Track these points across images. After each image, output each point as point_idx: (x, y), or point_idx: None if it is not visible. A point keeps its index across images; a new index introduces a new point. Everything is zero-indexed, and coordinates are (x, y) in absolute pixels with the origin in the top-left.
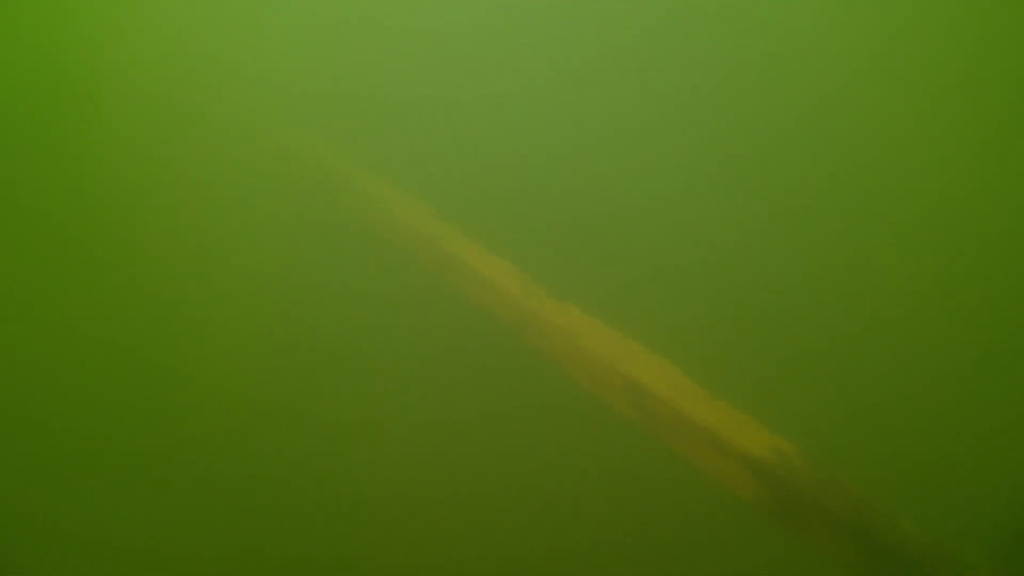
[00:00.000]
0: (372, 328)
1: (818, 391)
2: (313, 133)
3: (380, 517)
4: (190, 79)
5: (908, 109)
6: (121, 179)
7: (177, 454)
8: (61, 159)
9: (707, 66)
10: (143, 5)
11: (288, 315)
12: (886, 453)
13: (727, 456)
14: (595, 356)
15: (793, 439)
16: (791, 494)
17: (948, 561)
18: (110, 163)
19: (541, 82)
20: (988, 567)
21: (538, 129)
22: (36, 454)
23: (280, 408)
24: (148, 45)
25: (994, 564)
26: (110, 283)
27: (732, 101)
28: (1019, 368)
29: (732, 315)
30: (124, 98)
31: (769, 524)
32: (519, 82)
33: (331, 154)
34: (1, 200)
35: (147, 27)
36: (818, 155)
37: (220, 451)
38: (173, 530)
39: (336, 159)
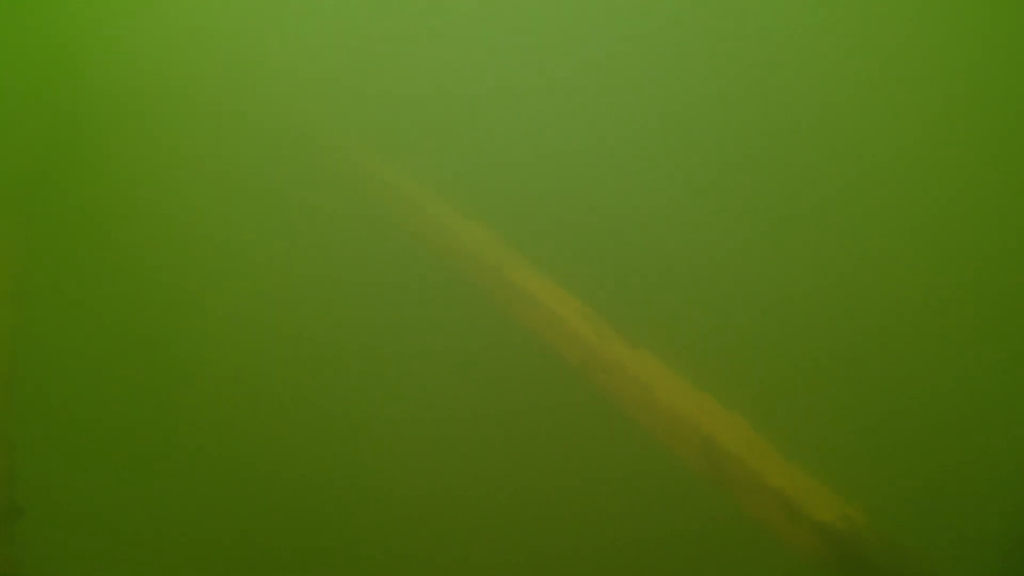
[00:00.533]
0: (433, 358)
1: (893, 461)
2: (384, 156)
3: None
4: (225, 80)
5: (916, 115)
6: (146, 178)
7: (214, 451)
8: (88, 157)
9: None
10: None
11: (351, 336)
12: (960, 528)
13: (796, 520)
14: (669, 407)
15: (864, 509)
16: (858, 564)
17: None
18: (133, 161)
19: (626, 127)
20: None
21: (618, 170)
22: (44, 450)
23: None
24: (181, 46)
25: None
26: (130, 279)
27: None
28: None
29: (808, 377)
30: (152, 98)
31: None
32: (605, 127)
33: (399, 177)
34: (40, 193)
35: (181, 27)
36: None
37: (262, 450)
38: (187, 525)
39: (404, 182)
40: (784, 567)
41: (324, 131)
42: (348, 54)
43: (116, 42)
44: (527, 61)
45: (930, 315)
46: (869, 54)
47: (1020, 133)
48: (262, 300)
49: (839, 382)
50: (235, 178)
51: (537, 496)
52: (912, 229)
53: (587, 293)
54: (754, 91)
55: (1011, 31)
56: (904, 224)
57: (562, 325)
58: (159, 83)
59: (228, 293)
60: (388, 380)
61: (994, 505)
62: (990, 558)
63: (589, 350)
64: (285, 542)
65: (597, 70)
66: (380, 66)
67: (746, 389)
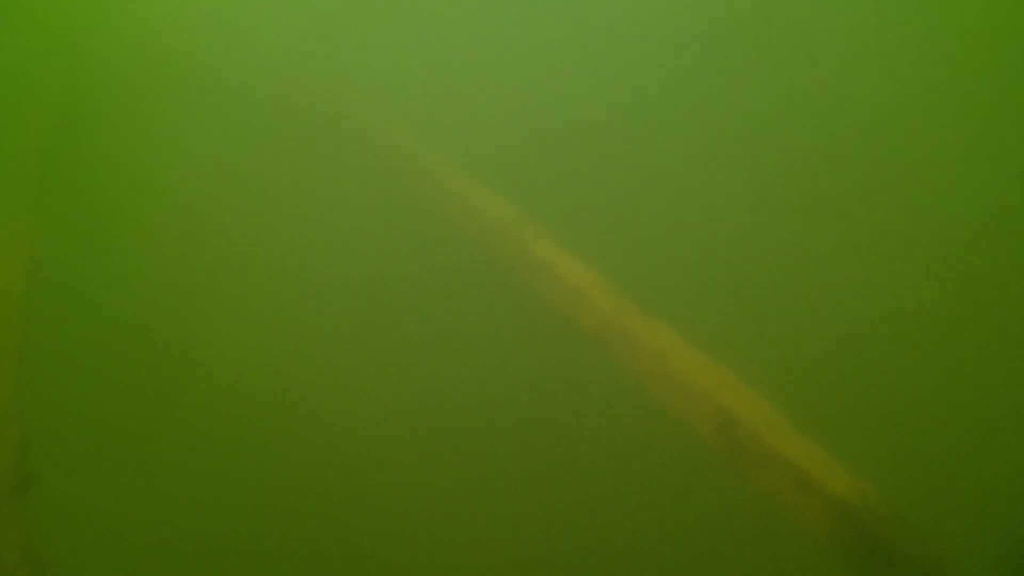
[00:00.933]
0: (450, 329)
1: (908, 437)
2: (407, 129)
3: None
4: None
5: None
6: (154, 164)
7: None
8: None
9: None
10: None
11: (370, 307)
12: (972, 505)
13: (809, 493)
14: (684, 379)
15: (877, 484)
16: (869, 538)
17: None
18: (145, 146)
19: (642, 99)
20: None
21: (634, 141)
22: (56, 420)
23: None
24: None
25: None
26: (139, 256)
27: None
28: None
29: (824, 351)
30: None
31: (840, 565)
32: (622, 99)
33: (417, 148)
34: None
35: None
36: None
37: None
38: (201, 492)
39: (422, 153)
40: (795, 540)
41: (341, 104)
42: (368, 28)
43: (133, 24)
44: (547, 35)
45: (946, 291)
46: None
47: None
48: (273, 282)
49: (855, 357)
50: (249, 162)
51: (549, 466)
52: (929, 205)
53: (603, 263)
54: (770, 64)
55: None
56: (921, 200)
57: (578, 295)
58: (174, 68)
59: (239, 279)
60: (404, 354)
61: (1007, 484)
62: (1001, 536)
63: (605, 320)
64: (293, 512)
65: (614, 44)
66: (404, 40)
67: (762, 362)
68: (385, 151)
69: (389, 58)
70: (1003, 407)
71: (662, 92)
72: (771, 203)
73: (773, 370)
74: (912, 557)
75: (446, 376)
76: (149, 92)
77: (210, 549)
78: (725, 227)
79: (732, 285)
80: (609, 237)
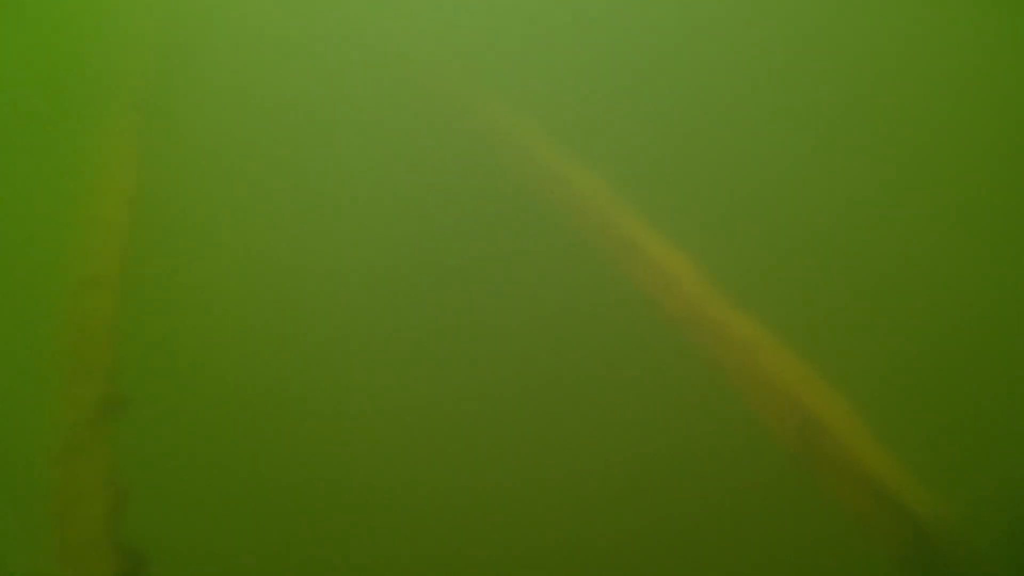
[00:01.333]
0: (533, 304)
1: (998, 468)
2: (492, 96)
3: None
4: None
5: None
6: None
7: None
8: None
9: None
10: None
11: (447, 280)
12: None
13: (884, 507)
14: (769, 376)
15: (956, 506)
16: (938, 560)
17: None
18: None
19: (738, 75)
20: None
21: (748, 122)
22: (148, 343)
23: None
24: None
25: None
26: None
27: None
28: None
29: (921, 364)
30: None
31: None
32: (719, 76)
33: (508, 118)
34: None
35: None
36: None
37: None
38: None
39: (514, 125)
40: (863, 551)
41: (427, 70)
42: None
43: None
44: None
45: None
46: None
47: None
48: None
49: (950, 373)
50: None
51: (619, 450)
52: None
53: (695, 248)
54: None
55: None
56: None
57: (666, 278)
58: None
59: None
60: (482, 330)
61: None
62: None
63: (692, 307)
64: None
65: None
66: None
67: (852, 369)
68: (469, 119)
69: (478, 25)
70: None
71: (757, 70)
72: (887, 203)
73: (863, 378)
74: None
75: (522, 354)
76: (250, 31)
77: (301, 475)
78: (828, 225)
79: (831, 286)
80: (703, 220)
